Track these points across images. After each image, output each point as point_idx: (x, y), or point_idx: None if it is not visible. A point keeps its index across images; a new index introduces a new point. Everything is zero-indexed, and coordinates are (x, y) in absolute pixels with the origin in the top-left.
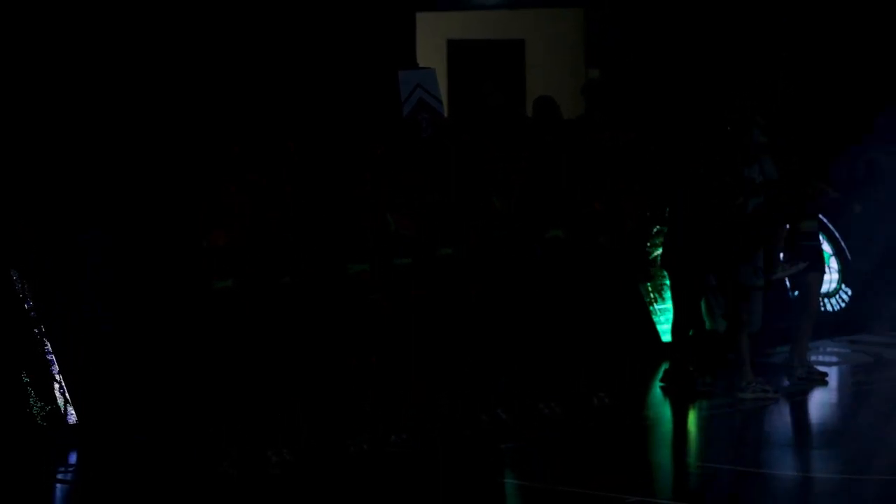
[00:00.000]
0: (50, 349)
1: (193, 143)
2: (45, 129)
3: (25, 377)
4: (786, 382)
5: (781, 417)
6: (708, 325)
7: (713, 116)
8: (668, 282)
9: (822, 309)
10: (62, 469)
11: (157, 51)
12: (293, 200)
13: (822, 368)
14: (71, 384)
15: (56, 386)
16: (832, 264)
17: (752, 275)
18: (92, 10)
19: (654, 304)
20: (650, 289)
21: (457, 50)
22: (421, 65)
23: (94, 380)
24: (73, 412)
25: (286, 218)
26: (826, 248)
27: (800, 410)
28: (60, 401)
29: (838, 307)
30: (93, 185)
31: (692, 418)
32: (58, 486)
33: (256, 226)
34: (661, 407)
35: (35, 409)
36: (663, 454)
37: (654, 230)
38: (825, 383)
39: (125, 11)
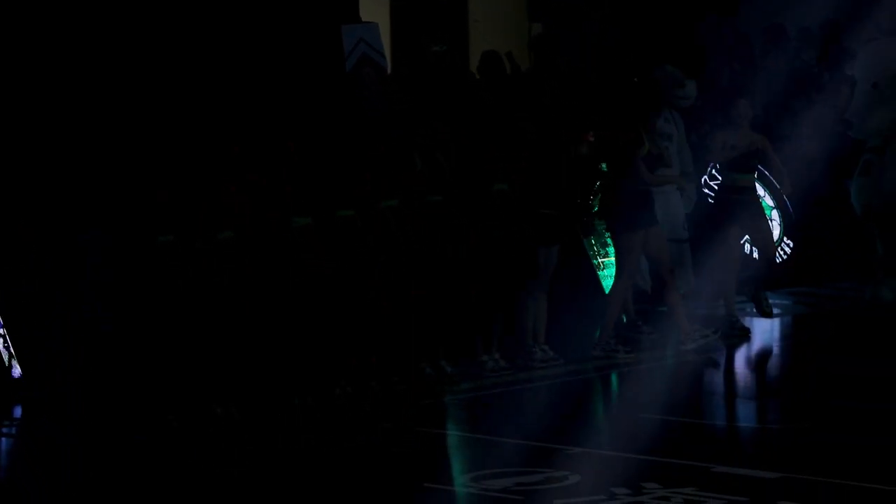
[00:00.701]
0: None
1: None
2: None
3: None
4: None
5: (721, 369)
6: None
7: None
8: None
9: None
10: (7, 423)
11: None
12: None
13: (760, 320)
14: (15, 338)
15: (0, 341)
16: (773, 216)
17: (680, 228)
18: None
19: (598, 258)
20: (594, 242)
21: (400, 4)
22: (364, 19)
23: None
24: (17, 366)
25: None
26: (768, 201)
27: (740, 362)
28: (5, 355)
29: (780, 259)
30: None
31: (634, 369)
32: (2, 439)
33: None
34: (603, 359)
35: None
36: (605, 405)
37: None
38: (748, 339)
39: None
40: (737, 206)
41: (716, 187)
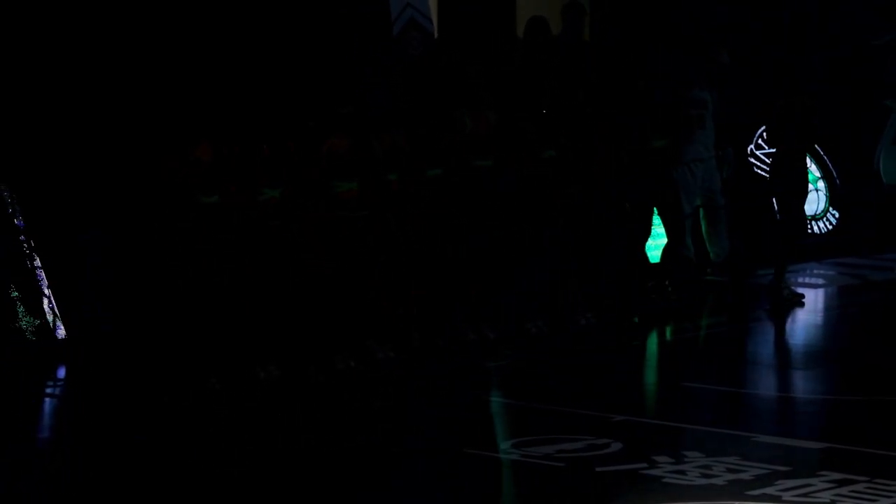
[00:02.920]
0: (39, 264)
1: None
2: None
3: (14, 291)
4: (768, 304)
5: (764, 338)
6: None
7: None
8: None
9: (810, 231)
10: (51, 383)
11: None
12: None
13: (805, 290)
14: (60, 299)
15: (45, 301)
16: (820, 187)
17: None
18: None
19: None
20: None
21: None
22: None
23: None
24: (61, 327)
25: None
26: (814, 170)
27: (783, 331)
28: (49, 315)
29: (826, 230)
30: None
31: (677, 339)
32: (47, 400)
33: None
34: (646, 327)
35: (24, 323)
36: (648, 374)
37: None
38: (802, 304)
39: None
40: (783, 173)
41: (762, 156)
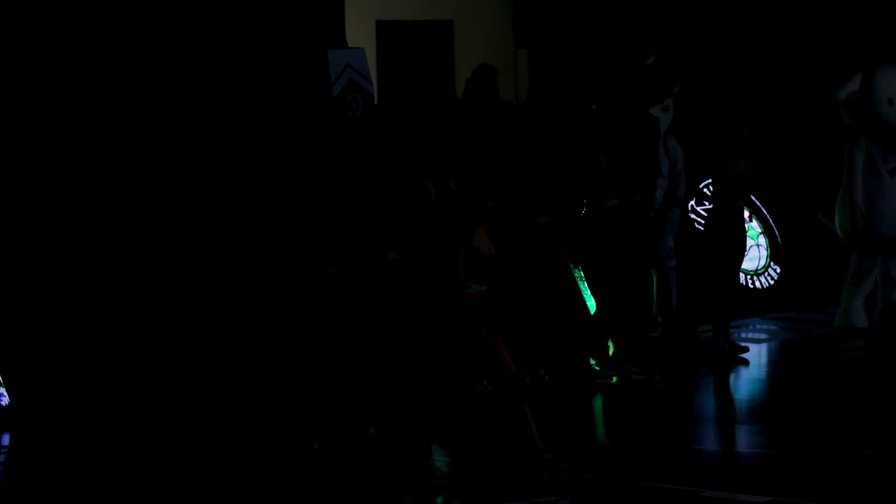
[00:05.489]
0: None
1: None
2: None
3: None
4: (712, 358)
5: (708, 393)
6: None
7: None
8: None
9: (752, 287)
10: None
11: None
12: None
13: (748, 344)
14: (4, 367)
15: None
16: (761, 242)
17: (666, 256)
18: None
19: (584, 280)
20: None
21: (385, 30)
22: (350, 45)
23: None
24: (5, 395)
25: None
26: (754, 225)
27: (727, 387)
28: None
29: (767, 285)
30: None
31: (622, 394)
32: None
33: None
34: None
35: None
36: (594, 430)
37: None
38: (746, 361)
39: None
40: (719, 228)
41: (703, 213)
